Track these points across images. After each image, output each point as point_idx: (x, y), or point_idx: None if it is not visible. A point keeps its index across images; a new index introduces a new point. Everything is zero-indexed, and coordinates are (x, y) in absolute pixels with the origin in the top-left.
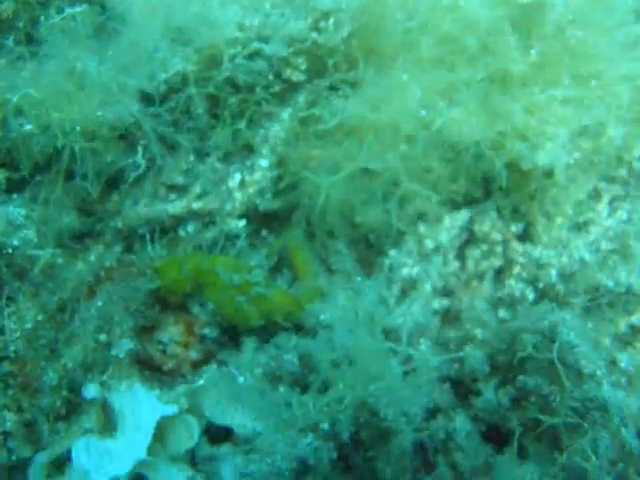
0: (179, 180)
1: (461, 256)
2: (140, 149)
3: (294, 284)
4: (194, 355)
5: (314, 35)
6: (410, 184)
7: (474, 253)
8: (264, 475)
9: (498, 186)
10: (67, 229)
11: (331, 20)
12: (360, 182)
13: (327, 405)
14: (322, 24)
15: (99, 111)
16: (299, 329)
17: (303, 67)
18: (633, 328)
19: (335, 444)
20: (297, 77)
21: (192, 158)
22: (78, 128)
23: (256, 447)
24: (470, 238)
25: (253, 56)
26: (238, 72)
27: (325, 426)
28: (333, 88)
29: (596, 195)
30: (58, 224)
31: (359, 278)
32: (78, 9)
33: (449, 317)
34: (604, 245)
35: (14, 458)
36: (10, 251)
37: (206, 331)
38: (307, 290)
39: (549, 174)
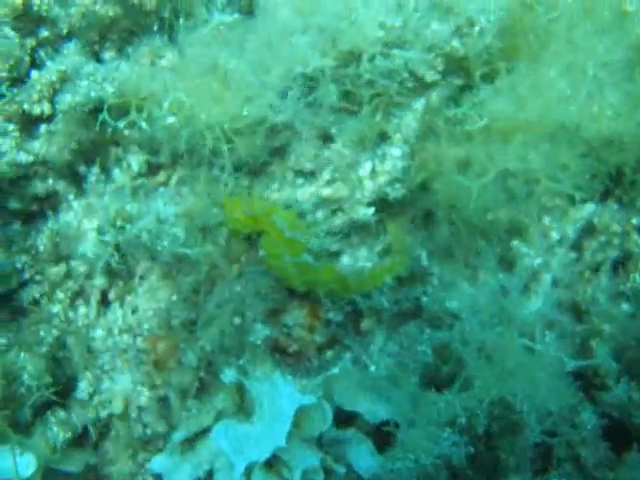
0: (307, 165)
1: (577, 247)
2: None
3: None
4: (319, 339)
5: (456, 43)
6: (550, 183)
7: (591, 244)
8: (409, 471)
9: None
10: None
11: (476, 28)
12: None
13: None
14: (465, 30)
15: (244, 109)
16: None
17: (440, 68)
18: None
19: (469, 437)
20: (432, 77)
21: (320, 144)
22: (225, 126)
23: (396, 442)
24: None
25: (391, 56)
26: (376, 73)
27: (462, 420)
28: (470, 88)
29: None
30: (205, 220)
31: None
32: (229, 19)
33: (570, 310)
34: None
35: (149, 432)
36: (159, 249)
37: (330, 315)
38: (389, 262)
39: None
